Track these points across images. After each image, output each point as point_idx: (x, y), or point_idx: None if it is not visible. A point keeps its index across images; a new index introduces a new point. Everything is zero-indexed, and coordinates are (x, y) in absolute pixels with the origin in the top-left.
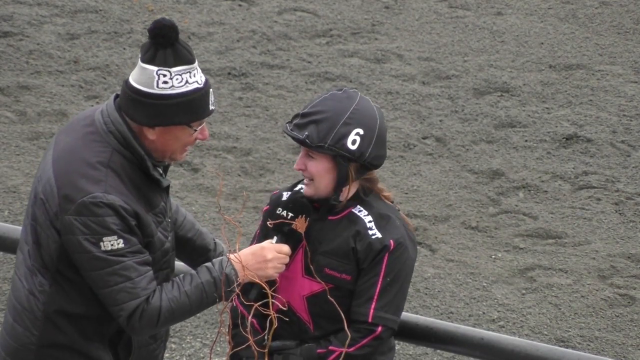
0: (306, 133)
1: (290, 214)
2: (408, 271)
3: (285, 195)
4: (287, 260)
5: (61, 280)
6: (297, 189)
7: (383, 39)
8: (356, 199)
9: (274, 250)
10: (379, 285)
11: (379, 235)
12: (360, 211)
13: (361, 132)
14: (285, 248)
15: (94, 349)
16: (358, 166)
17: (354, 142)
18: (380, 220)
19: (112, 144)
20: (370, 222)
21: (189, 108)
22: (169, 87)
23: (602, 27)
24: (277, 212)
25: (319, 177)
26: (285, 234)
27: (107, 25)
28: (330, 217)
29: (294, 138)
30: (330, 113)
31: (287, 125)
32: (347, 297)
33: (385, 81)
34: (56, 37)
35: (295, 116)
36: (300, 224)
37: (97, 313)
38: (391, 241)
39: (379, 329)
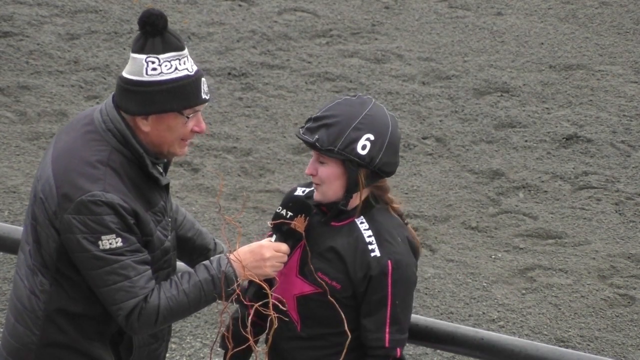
0: (316, 136)
1: (290, 214)
2: (411, 287)
3: (299, 191)
4: (285, 259)
5: (61, 279)
6: (312, 189)
7: (383, 39)
8: (364, 208)
9: (272, 249)
10: (389, 310)
11: (377, 253)
12: (362, 223)
13: (372, 137)
14: (284, 247)
15: (95, 348)
16: (368, 172)
17: (364, 147)
18: (381, 236)
19: (111, 143)
20: (370, 236)
21: (179, 94)
22: (158, 74)
23: (602, 27)
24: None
25: (328, 182)
26: (284, 233)
27: (107, 25)
28: (332, 223)
29: (304, 141)
30: (342, 117)
31: (300, 129)
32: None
33: (385, 81)
34: (56, 37)
35: (308, 120)
36: (299, 224)
37: (98, 312)
38: (389, 261)
39: (398, 351)
